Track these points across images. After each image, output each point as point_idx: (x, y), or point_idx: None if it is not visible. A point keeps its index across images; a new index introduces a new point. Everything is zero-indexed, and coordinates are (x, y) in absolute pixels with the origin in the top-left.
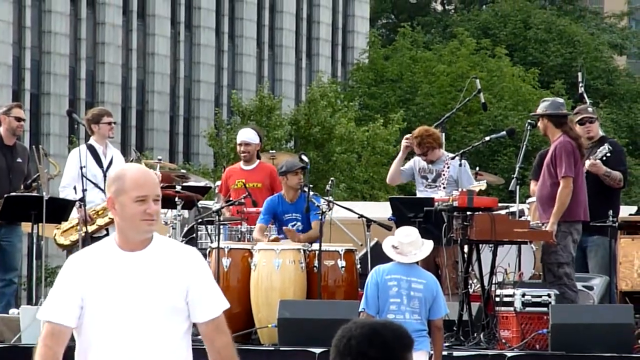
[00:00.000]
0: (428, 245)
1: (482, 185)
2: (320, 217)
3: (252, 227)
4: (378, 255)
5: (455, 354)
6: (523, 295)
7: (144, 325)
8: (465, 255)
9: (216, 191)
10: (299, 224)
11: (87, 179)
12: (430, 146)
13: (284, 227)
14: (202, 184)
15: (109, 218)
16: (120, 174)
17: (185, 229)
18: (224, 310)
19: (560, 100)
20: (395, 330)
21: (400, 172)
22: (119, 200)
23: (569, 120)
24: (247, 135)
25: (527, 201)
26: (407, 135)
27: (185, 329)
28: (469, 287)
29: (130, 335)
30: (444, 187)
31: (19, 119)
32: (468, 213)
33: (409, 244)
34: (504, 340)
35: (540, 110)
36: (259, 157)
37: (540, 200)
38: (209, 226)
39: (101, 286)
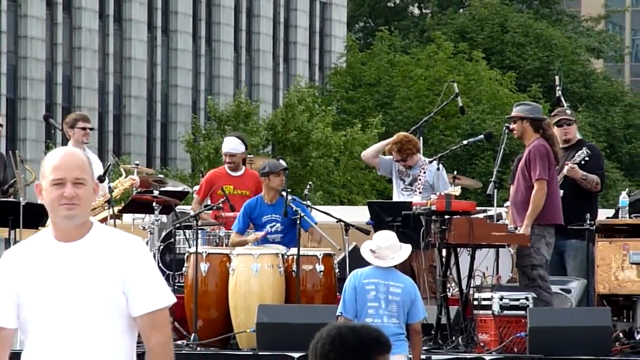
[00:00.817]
0: (406, 249)
1: (456, 191)
2: (299, 222)
3: (230, 231)
4: (356, 260)
5: (434, 357)
6: (501, 298)
7: (81, 319)
8: (444, 259)
9: (194, 196)
10: (278, 225)
11: None
12: (410, 152)
13: (251, 226)
14: (179, 188)
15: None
16: (44, 159)
17: (163, 233)
18: (200, 316)
19: (540, 107)
20: (364, 334)
21: (379, 158)
22: (42, 186)
23: (545, 124)
24: (232, 145)
25: (505, 205)
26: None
27: (127, 324)
28: (447, 290)
29: (67, 330)
30: (419, 192)
31: None
32: (446, 217)
33: (387, 248)
34: (482, 344)
35: (520, 112)
36: (244, 163)
37: (514, 204)
38: (186, 231)
39: (36, 280)
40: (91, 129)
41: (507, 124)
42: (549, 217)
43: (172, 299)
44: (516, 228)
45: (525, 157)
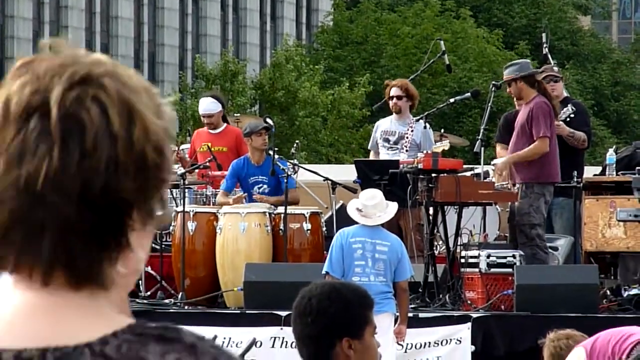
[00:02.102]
0: (392, 208)
1: (445, 145)
2: (286, 181)
3: (217, 190)
4: (343, 218)
5: (421, 315)
6: (488, 256)
7: None
8: (431, 217)
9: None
10: (265, 186)
11: None
12: (415, 98)
13: (255, 196)
14: None
15: None
16: None
17: None
18: (187, 275)
19: (527, 60)
20: (355, 289)
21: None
22: None
23: (538, 77)
24: (206, 106)
25: (492, 162)
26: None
27: None
28: (435, 248)
29: None
30: (406, 150)
31: None
32: (433, 175)
33: (373, 207)
34: (469, 302)
35: (511, 74)
36: (226, 121)
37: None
38: (174, 190)
39: None
40: None
41: (494, 82)
42: (548, 176)
43: None
44: (515, 185)
45: (527, 114)
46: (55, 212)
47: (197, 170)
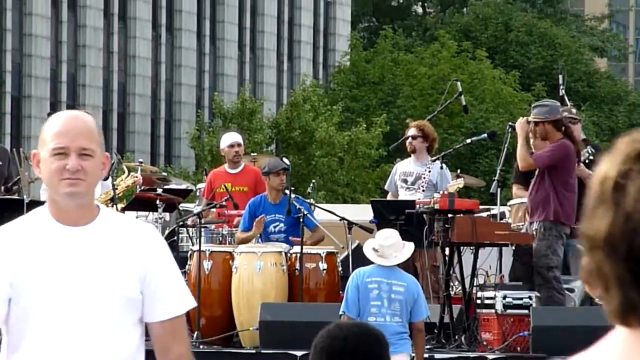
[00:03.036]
0: (409, 248)
1: (459, 184)
2: (302, 220)
3: (234, 230)
4: (359, 258)
5: (437, 356)
6: (504, 297)
7: (90, 316)
8: (447, 258)
9: (197, 194)
10: (281, 225)
11: None
12: (434, 138)
13: (254, 220)
14: (183, 186)
15: None
16: (46, 123)
17: (167, 231)
18: (203, 314)
19: (557, 102)
20: (371, 330)
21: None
22: (41, 156)
23: (566, 121)
24: (237, 137)
25: (508, 203)
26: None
27: (137, 318)
28: (450, 289)
29: (73, 329)
30: (422, 190)
31: None
32: (449, 215)
33: (390, 247)
34: (485, 343)
35: (540, 115)
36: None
37: (532, 201)
38: (190, 229)
39: (36, 269)
40: None
41: (510, 123)
42: (568, 218)
43: (193, 303)
44: (531, 224)
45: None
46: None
47: (213, 210)
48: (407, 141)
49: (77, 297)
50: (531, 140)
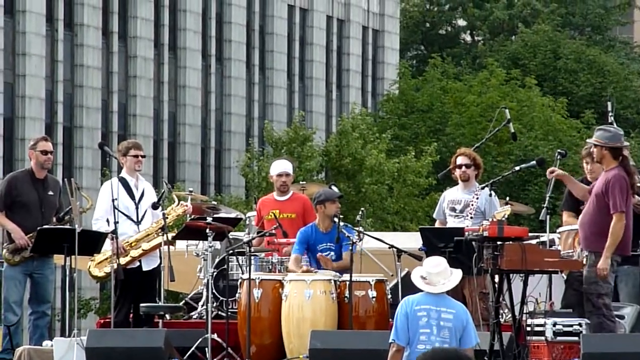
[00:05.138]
0: (457, 275)
1: (507, 210)
2: (350, 248)
3: (283, 258)
4: (409, 286)
5: None
6: (554, 324)
7: None
8: (496, 285)
9: (247, 222)
10: (332, 253)
11: (120, 211)
12: (480, 166)
13: (317, 254)
14: (233, 215)
15: (142, 250)
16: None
17: (217, 260)
18: (253, 342)
19: (621, 131)
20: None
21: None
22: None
23: (625, 150)
24: (286, 165)
25: (558, 231)
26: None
27: None
28: (500, 316)
29: None
30: (471, 217)
31: (45, 152)
32: (498, 243)
33: (438, 274)
34: None
35: (601, 139)
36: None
37: (582, 226)
38: (240, 257)
39: None
40: (143, 156)
41: (559, 150)
42: (621, 248)
43: None
44: (583, 251)
45: (604, 184)
46: None
47: (263, 238)
48: (460, 170)
49: None
50: (585, 165)
